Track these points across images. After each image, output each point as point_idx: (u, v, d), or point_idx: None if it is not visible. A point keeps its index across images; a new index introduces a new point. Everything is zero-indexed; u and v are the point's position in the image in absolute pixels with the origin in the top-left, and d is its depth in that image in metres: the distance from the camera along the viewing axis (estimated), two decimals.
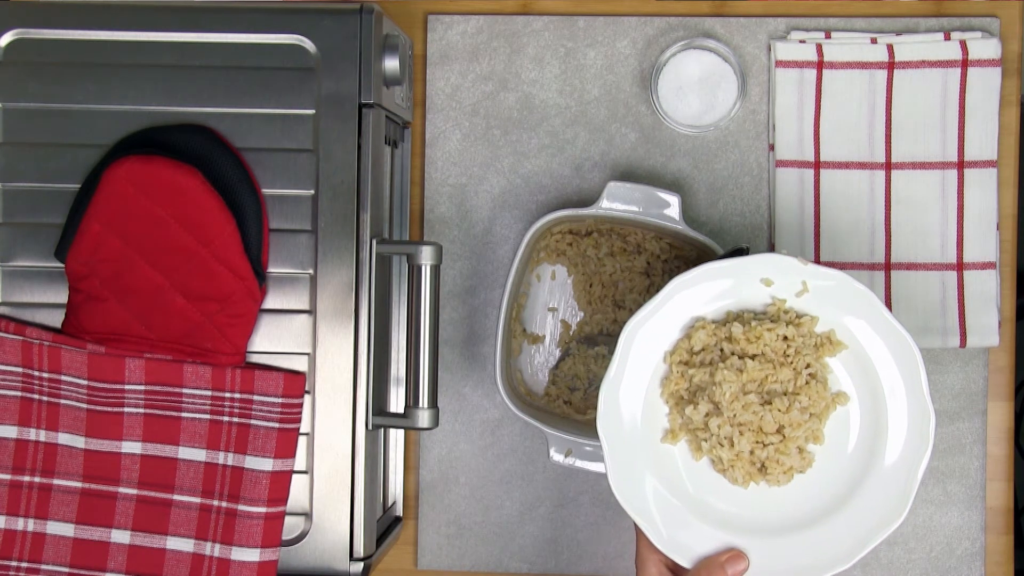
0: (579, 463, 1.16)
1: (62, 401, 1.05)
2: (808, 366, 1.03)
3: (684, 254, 1.21)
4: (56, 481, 1.06)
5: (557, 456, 1.16)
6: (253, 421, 1.04)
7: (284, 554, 1.06)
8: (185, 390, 1.04)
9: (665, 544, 1.04)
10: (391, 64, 1.08)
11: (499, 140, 1.24)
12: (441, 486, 1.25)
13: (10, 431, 1.06)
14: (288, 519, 1.06)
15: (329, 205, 1.05)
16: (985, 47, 1.20)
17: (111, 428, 1.05)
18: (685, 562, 1.04)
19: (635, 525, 1.05)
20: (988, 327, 1.20)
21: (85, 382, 1.04)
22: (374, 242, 1.06)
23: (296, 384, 1.04)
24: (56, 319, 1.06)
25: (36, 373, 1.05)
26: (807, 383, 1.03)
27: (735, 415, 1.02)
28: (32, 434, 1.06)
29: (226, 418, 1.05)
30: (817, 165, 1.21)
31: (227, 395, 1.04)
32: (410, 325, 1.07)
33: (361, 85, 1.05)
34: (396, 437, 1.22)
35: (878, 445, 1.04)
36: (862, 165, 1.21)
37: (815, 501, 1.05)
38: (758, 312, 1.05)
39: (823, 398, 1.03)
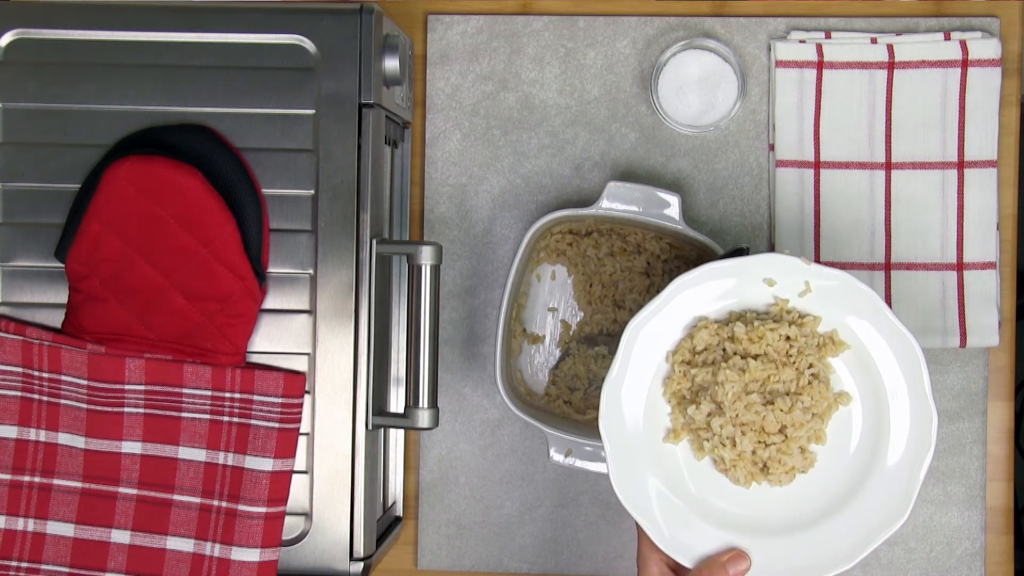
0: (579, 463, 1.16)
1: (62, 401, 1.05)
2: (810, 366, 1.03)
3: (684, 254, 1.21)
4: (56, 481, 1.06)
5: (557, 456, 1.16)
6: (253, 421, 1.04)
7: (284, 554, 1.06)
8: (185, 390, 1.04)
9: (667, 544, 1.04)
10: (391, 64, 1.08)
11: (499, 140, 1.24)
12: (441, 486, 1.25)
13: (10, 431, 1.06)
14: (288, 519, 1.06)
15: (329, 205, 1.05)
16: (985, 47, 1.20)
17: (111, 428, 1.05)
18: (687, 562, 1.04)
19: (636, 525, 1.05)
20: (988, 327, 1.20)
21: (85, 382, 1.04)
22: (374, 242, 1.06)
23: (296, 384, 1.04)
24: (56, 319, 1.06)
25: (36, 373, 1.05)
26: (809, 383, 1.03)
27: (737, 415, 1.02)
28: (32, 434, 1.06)
29: (226, 418, 1.05)
30: (817, 165, 1.21)
31: (227, 395, 1.04)
32: (410, 325, 1.07)
33: (361, 85, 1.05)
34: (396, 437, 1.22)
35: (880, 445, 1.04)
36: (862, 165, 1.21)
37: (817, 501, 1.05)
38: (761, 312, 1.05)
39: (825, 398, 1.03)
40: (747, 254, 1.06)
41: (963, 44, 1.20)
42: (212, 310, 1.03)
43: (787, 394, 1.03)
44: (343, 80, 1.05)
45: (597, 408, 1.20)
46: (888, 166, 1.21)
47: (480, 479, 1.25)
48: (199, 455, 1.05)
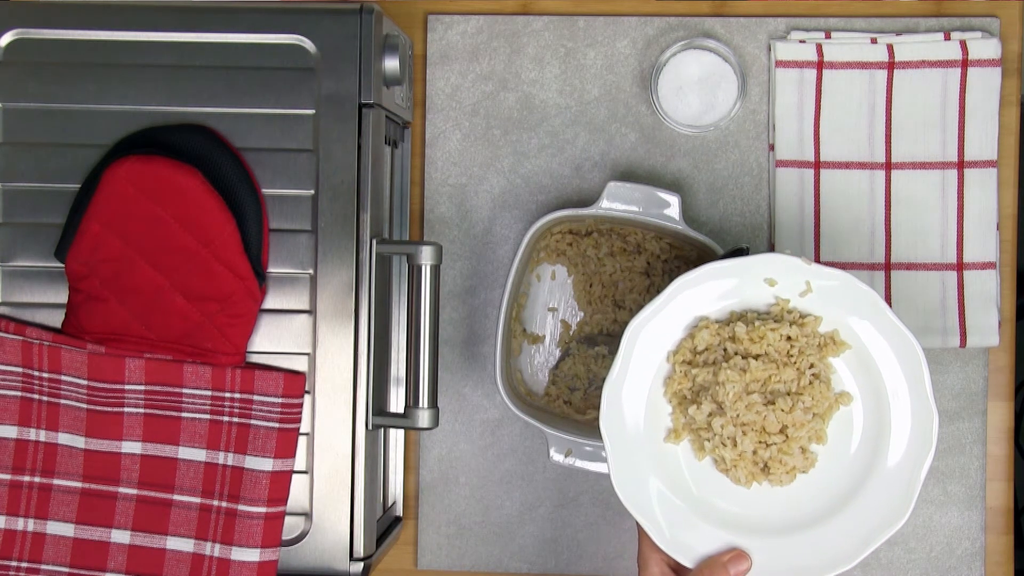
0: (579, 463, 1.16)
1: (62, 401, 1.05)
2: (811, 366, 1.03)
3: (684, 254, 1.21)
4: (56, 481, 1.06)
5: (557, 456, 1.16)
6: (253, 421, 1.04)
7: (284, 554, 1.06)
8: (185, 390, 1.04)
9: (668, 544, 1.04)
10: (391, 64, 1.08)
11: (499, 140, 1.24)
12: (441, 486, 1.25)
13: (10, 431, 1.06)
14: (288, 519, 1.06)
15: (329, 205, 1.05)
16: (985, 47, 1.20)
17: (111, 428, 1.05)
18: (688, 562, 1.04)
19: (637, 525, 1.05)
20: (988, 327, 1.20)
21: (85, 382, 1.04)
22: (374, 242, 1.06)
23: (296, 384, 1.04)
24: (56, 319, 1.06)
25: (36, 373, 1.05)
26: (810, 383, 1.03)
27: (738, 415, 1.02)
28: (32, 434, 1.06)
29: (226, 418, 1.05)
30: (817, 165, 1.21)
31: (227, 395, 1.04)
32: (410, 325, 1.07)
33: (361, 85, 1.05)
34: (396, 437, 1.22)
35: (881, 445, 1.04)
36: (862, 165, 1.21)
37: (818, 501, 1.05)
38: (761, 312, 1.05)
39: (826, 398, 1.03)
40: (747, 254, 1.06)
41: (963, 44, 1.20)
42: (212, 310, 1.03)
43: (788, 394, 1.03)
44: (343, 80, 1.05)
45: (597, 408, 1.20)
46: (888, 166, 1.21)
47: (480, 479, 1.25)
48: (199, 455, 1.05)
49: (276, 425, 1.04)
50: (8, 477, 1.06)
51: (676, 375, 1.05)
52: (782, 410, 1.02)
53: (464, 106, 1.24)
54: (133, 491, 1.06)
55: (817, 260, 1.21)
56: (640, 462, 1.05)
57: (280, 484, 1.04)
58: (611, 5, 1.24)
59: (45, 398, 1.05)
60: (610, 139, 1.23)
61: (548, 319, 1.24)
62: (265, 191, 1.05)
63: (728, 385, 1.01)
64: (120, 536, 1.06)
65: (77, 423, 1.05)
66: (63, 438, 1.06)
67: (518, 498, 1.25)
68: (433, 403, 1.07)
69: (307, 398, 1.05)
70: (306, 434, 1.06)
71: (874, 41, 1.21)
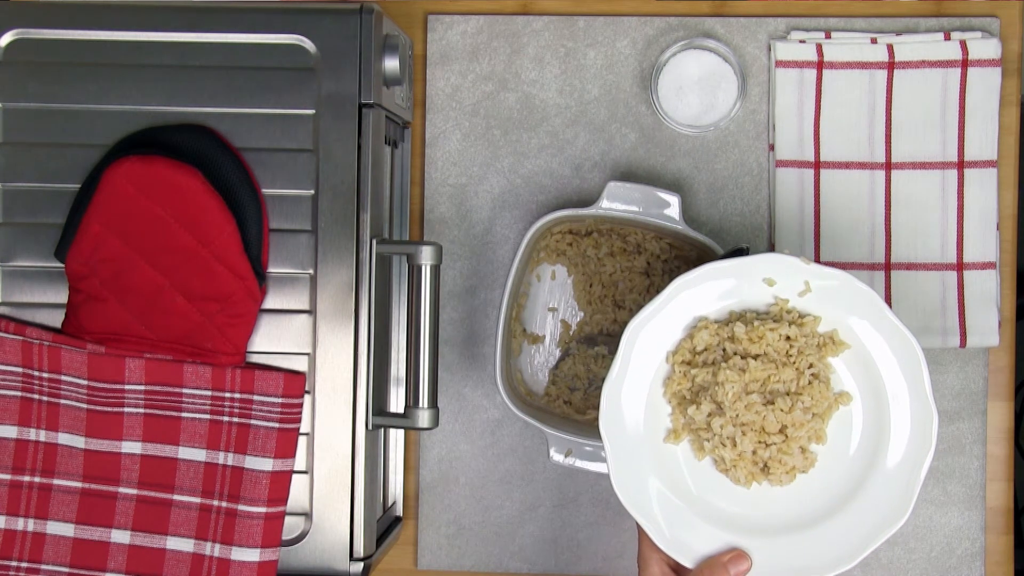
0: (579, 463, 1.16)
1: (62, 401, 1.05)
2: (811, 366, 1.03)
3: (684, 254, 1.21)
4: (56, 481, 1.06)
5: (557, 456, 1.16)
6: (253, 421, 1.04)
7: (284, 554, 1.06)
8: (185, 390, 1.04)
9: (668, 544, 1.04)
10: (391, 64, 1.08)
11: (499, 140, 1.24)
12: (441, 486, 1.25)
13: (10, 431, 1.06)
14: (288, 519, 1.06)
15: (329, 205, 1.05)
16: (985, 47, 1.20)
17: (111, 428, 1.05)
18: (687, 562, 1.04)
19: (637, 525, 1.05)
20: (988, 327, 1.20)
21: (85, 382, 1.04)
22: (374, 242, 1.06)
23: (296, 384, 1.04)
24: (56, 319, 1.06)
25: (36, 373, 1.05)
26: (810, 383, 1.03)
27: (737, 415, 1.02)
28: (32, 434, 1.06)
29: (226, 418, 1.05)
30: (817, 165, 1.21)
31: (227, 395, 1.04)
32: (410, 325, 1.07)
33: (361, 85, 1.05)
34: (396, 437, 1.22)
35: (881, 445, 1.04)
36: (862, 165, 1.21)
37: (817, 501, 1.05)
38: (761, 312, 1.05)
39: (826, 398, 1.03)
40: (747, 254, 1.06)
41: (963, 44, 1.20)
42: (212, 310, 1.03)
43: (787, 394, 1.03)
44: (343, 80, 1.05)
45: (597, 408, 1.20)
46: (888, 166, 1.21)
47: (480, 479, 1.25)
48: (199, 455, 1.05)
49: (276, 425, 1.04)
50: (8, 477, 1.06)
51: (675, 375, 1.05)
52: (781, 410, 1.02)
53: (464, 106, 1.24)
54: (133, 491, 1.06)
55: (817, 260, 1.21)
56: (640, 462, 1.05)
57: (280, 484, 1.04)
58: (611, 5, 1.24)
59: (45, 398, 1.05)
60: (610, 139, 1.23)
61: (548, 319, 1.24)
62: (265, 191, 1.05)
63: (727, 385, 1.01)
64: (120, 536, 1.06)
65: (77, 423, 1.05)
66: (63, 438, 1.06)
67: (518, 498, 1.25)
68: (433, 403, 1.07)
69: (307, 398, 1.05)
70: (306, 434, 1.06)
71: (874, 41, 1.21)
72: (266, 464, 1.04)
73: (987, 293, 1.20)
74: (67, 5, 1.06)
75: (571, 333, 1.24)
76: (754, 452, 1.03)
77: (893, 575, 1.23)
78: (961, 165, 1.20)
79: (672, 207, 1.16)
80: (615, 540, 1.24)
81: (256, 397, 1.04)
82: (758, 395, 1.02)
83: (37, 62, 1.06)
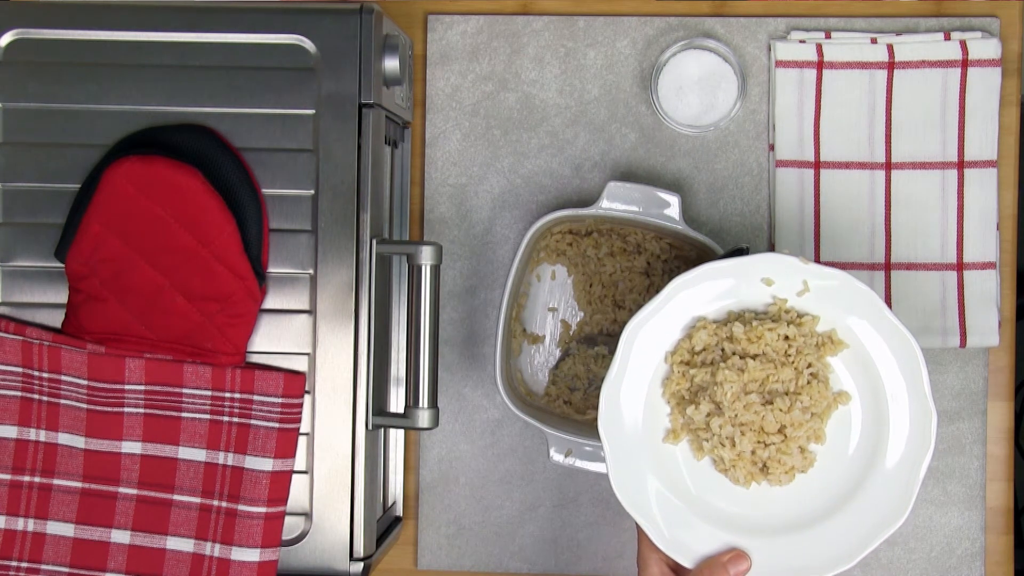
0: (579, 463, 1.16)
1: (62, 401, 1.05)
2: (809, 366, 1.03)
3: (684, 254, 1.21)
4: (56, 481, 1.06)
5: (557, 456, 1.16)
6: (253, 421, 1.04)
7: (284, 554, 1.06)
8: (185, 390, 1.04)
9: (667, 544, 1.04)
10: (391, 64, 1.08)
11: (499, 140, 1.24)
12: (441, 486, 1.25)
13: (10, 431, 1.06)
14: (288, 519, 1.06)
15: (329, 205, 1.05)
16: (985, 47, 1.20)
17: (111, 428, 1.05)
18: (687, 562, 1.04)
19: (636, 525, 1.05)
20: (988, 327, 1.20)
21: (85, 382, 1.04)
22: (374, 242, 1.06)
23: (296, 384, 1.04)
24: (56, 319, 1.06)
25: (36, 373, 1.05)
26: (808, 383, 1.03)
27: (736, 415, 1.02)
28: (32, 434, 1.06)
29: (226, 418, 1.05)
30: (817, 165, 1.21)
31: (227, 395, 1.04)
32: (410, 325, 1.07)
33: (361, 85, 1.05)
34: (396, 437, 1.22)
35: (880, 445, 1.04)
36: (862, 165, 1.21)
37: (817, 501, 1.05)
38: (759, 312, 1.05)
39: (824, 398, 1.03)
40: (747, 254, 1.06)
41: (963, 44, 1.20)
42: (212, 310, 1.03)
43: (786, 394, 1.03)
44: (343, 80, 1.05)
45: (597, 408, 1.20)
46: (888, 166, 1.21)
47: (480, 479, 1.25)
48: (199, 455, 1.05)
49: (276, 425, 1.04)
50: (8, 477, 1.06)
51: (674, 375, 1.05)
52: (780, 410, 1.02)
53: (464, 106, 1.24)
54: (133, 491, 1.06)
55: (817, 260, 1.21)
56: (638, 462, 1.05)
57: (280, 484, 1.04)
58: (611, 5, 1.24)
59: (45, 398, 1.05)
60: (610, 139, 1.23)
61: (548, 319, 1.24)
62: (265, 191, 1.05)
63: (726, 385, 1.01)
64: (120, 536, 1.06)
65: (77, 423, 1.05)
66: (63, 438, 1.06)
67: (518, 498, 1.25)
68: (433, 403, 1.07)
69: (307, 398, 1.05)
70: (306, 434, 1.06)
71: (874, 41, 1.21)
72: (266, 464, 1.04)
73: (987, 293, 1.20)
74: (67, 5, 1.06)
75: (571, 333, 1.24)
76: (753, 452, 1.03)
77: (893, 575, 1.23)
78: (961, 165, 1.20)
79: (672, 207, 1.16)
80: (615, 540, 1.24)
81: (256, 397, 1.04)
82: (757, 395, 1.02)
83: (37, 62, 1.06)
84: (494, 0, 1.25)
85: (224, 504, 1.04)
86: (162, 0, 1.09)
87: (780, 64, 1.21)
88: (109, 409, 1.05)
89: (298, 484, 1.06)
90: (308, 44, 1.05)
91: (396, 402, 1.18)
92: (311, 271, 1.05)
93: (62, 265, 1.05)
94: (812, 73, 1.21)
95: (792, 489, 1.05)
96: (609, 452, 1.04)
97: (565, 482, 1.24)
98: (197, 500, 1.05)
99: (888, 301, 1.21)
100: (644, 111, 1.23)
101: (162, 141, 1.04)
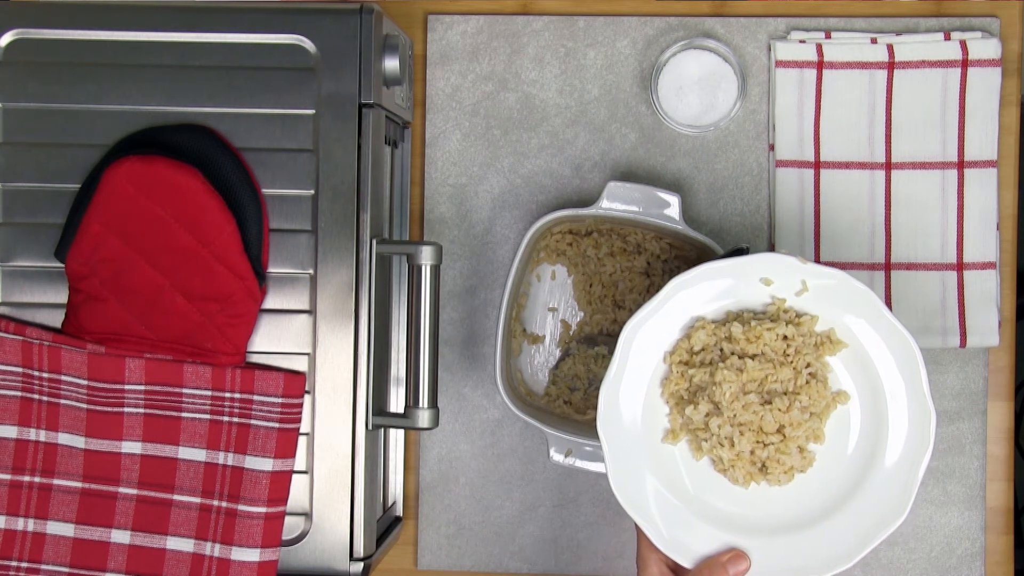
0: (579, 463, 1.16)
1: (62, 401, 1.05)
2: (808, 365, 1.03)
3: (684, 254, 1.21)
4: (56, 481, 1.06)
5: (557, 456, 1.16)
6: (253, 421, 1.04)
7: (284, 554, 1.06)
8: (185, 390, 1.04)
9: (666, 544, 1.04)
10: (391, 64, 1.08)
11: (499, 140, 1.24)
12: (441, 486, 1.25)
13: (10, 431, 1.06)
14: (288, 519, 1.06)
15: (329, 205, 1.05)
16: (985, 47, 1.20)
17: (111, 428, 1.05)
18: (686, 562, 1.04)
19: (636, 525, 1.05)
20: (988, 327, 1.20)
21: (85, 382, 1.04)
22: (374, 242, 1.06)
23: (296, 384, 1.04)
24: (56, 319, 1.06)
25: (36, 373, 1.05)
26: (807, 382, 1.03)
27: (735, 415, 1.02)
28: (32, 434, 1.06)
29: (226, 418, 1.05)
30: (817, 165, 1.21)
31: (227, 395, 1.04)
32: (410, 325, 1.07)
33: (361, 85, 1.05)
34: (396, 437, 1.22)
35: (879, 444, 1.04)
36: (862, 165, 1.21)
37: (816, 500, 1.05)
38: (758, 312, 1.05)
39: (823, 397, 1.03)
40: (747, 254, 1.06)
41: (963, 44, 1.20)
42: (212, 310, 1.03)
43: (785, 393, 1.03)
44: (343, 80, 1.05)
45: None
46: (888, 166, 1.21)
47: (480, 479, 1.25)
48: (199, 455, 1.05)
49: (276, 425, 1.04)
50: (8, 477, 1.06)
51: (673, 375, 1.05)
52: (779, 410, 1.02)
53: (464, 106, 1.24)
54: (133, 491, 1.06)
55: (817, 260, 1.21)
56: (638, 462, 1.05)
57: (280, 484, 1.04)
58: (611, 5, 1.24)
59: (45, 398, 1.06)
60: (610, 139, 1.23)
61: (548, 319, 1.24)
62: (265, 191, 1.05)
63: (725, 385, 1.01)
64: (120, 536, 1.06)
65: (77, 423, 1.05)
66: (63, 438, 1.06)
67: (518, 498, 1.25)
68: (433, 403, 1.07)
69: (307, 398, 1.05)
70: (306, 434, 1.06)
71: (874, 41, 1.21)
72: (266, 464, 1.04)
73: (987, 293, 1.20)
74: (67, 5, 1.06)
75: (571, 333, 1.24)
76: (752, 452, 1.03)
77: (893, 575, 1.23)
78: (961, 165, 1.20)
79: (672, 207, 1.16)
80: (615, 540, 1.24)
81: (256, 397, 1.04)
82: (756, 395, 1.02)
83: (37, 62, 1.06)
84: (494, 0, 1.25)
85: (224, 504, 1.05)
86: (162, 0, 1.09)
87: (780, 64, 1.21)
88: (109, 409, 1.05)
89: (298, 484, 1.06)
90: (308, 44, 1.05)
91: (396, 402, 1.18)
92: (311, 271, 1.05)
93: (62, 265, 1.05)
94: (812, 73, 1.21)
95: (791, 489, 1.05)
96: (608, 452, 1.04)
97: (565, 482, 1.24)
98: (197, 500, 1.05)
99: (888, 301, 1.21)
100: (644, 111, 1.23)
101: (162, 141, 1.04)
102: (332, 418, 1.05)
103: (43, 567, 1.06)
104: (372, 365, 1.06)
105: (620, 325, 1.23)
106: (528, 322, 1.24)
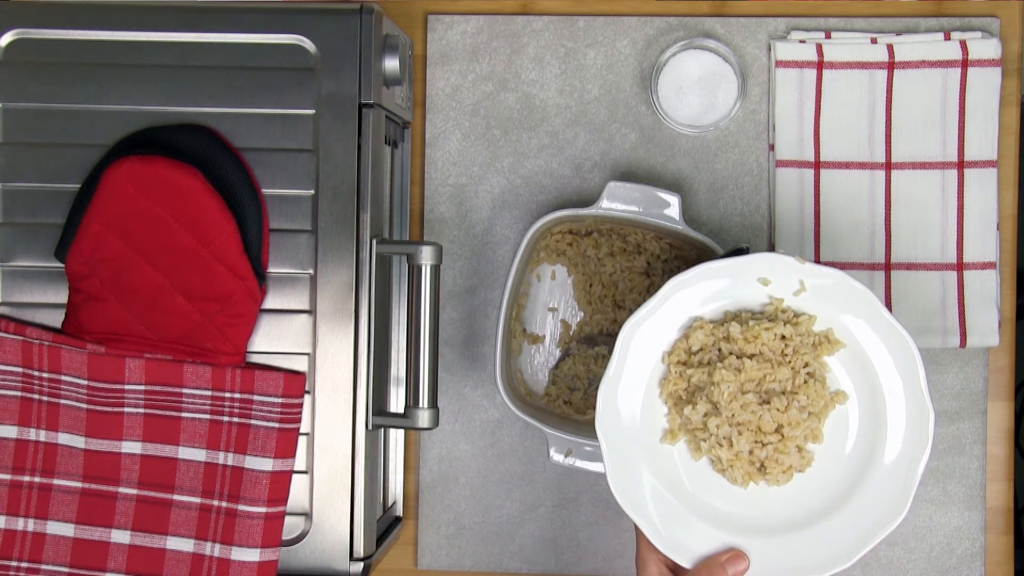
0: (579, 463, 1.16)
1: (62, 401, 1.05)
2: (806, 365, 1.03)
3: (684, 254, 1.21)
4: (56, 481, 1.06)
5: (557, 456, 1.16)
6: (253, 421, 1.04)
7: (284, 554, 1.06)
8: (185, 390, 1.04)
9: (665, 544, 1.04)
10: (391, 64, 1.08)
11: (499, 140, 1.24)
12: (441, 486, 1.25)
13: (10, 431, 1.06)
14: (288, 519, 1.06)
15: (329, 205, 1.05)
16: (985, 47, 1.20)
17: (111, 428, 1.05)
18: (685, 562, 1.04)
19: (635, 525, 1.05)
20: (988, 327, 1.20)
21: (85, 382, 1.04)
22: (374, 242, 1.06)
23: (296, 384, 1.04)
24: (56, 319, 1.07)
25: (36, 373, 1.05)
26: (805, 382, 1.03)
27: (733, 415, 1.02)
28: (32, 434, 1.06)
29: (226, 418, 1.05)
30: (817, 165, 1.21)
31: (227, 395, 1.04)
32: (410, 325, 1.07)
33: (361, 85, 1.05)
34: (396, 437, 1.22)
35: (877, 444, 1.04)
36: (862, 165, 1.21)
37: (815, 500, 1.05)
38: (756, 312, 1.05)
39: (821, 397, 1.03)
40: (747, 254, 1.06)
41: (963, 44, 1.20)
42: (212, 310, 1.03)
43: (783, 393, 1.03)
44: (343, 80, 1.05)
45: None
46: (888, 166, 1.21)
47: (480, 479, 1.25)
48: (199, 455, 1.05)
49: (276, 425, 1.04)
50: (8, 477, 1.06)
51: (671, 376, 1.05)
52: (777, 409, 1.02)
53: (464, 106, 1.24)
54: (133, 491, 1.06)
55: (817, 260, 1.21)
56: (636, 463, 1.05)
57: (280, 484, 1.04)
58: (611, 5, 1.24)
59: (45, 398, 1.06)
60: (610, 139, 1.23)
61: (548, 319, 1.24)
62: (265, 191, 1.05)
63: (723, 385, 1.01)
64: (120, 536, 1.06)
65: (77, 423, 1.05)
66: (63, 438, 1.06)
67: (518, 498, 1.25)
68: (433, 403, 1.07)
69: (307, 398, 1.05)
70: (306, 434, 1.06)
71: (874, 41, 1.21)
72: (266, 464, 1.04)
73: (987, 293, 1.20)
74: (67, 5, 1.06)
75: (571, 333, 1.24)
76: (750, 452, 1.03)
77: (893, 575, 1.23)
78: (961, 165, 1.20)
79: (672, 207, 1.16)
80: (615, 540, 1.24)
81: (256, 397, 1.04)
82: (754, 395, 1.02)
83: (37, 62, 1.06)
84: (494, 0, 1.25)
85: (224, 504, 1.05)
86: (162, 0, 1.09)
87: (780, 64, 1.21)
88: (109, 409, 1.05)
89: (298, 484, 1.06)
90: (308, 44, 1.05)
91: (396, 402, 1.18)
92: (311, 271, 1.05)
93: (62, 265, 1.05)
94: (812, 73, 1.21)
95: (790, 489, 1.05)
96: (607, 452, 1.04)
97: (565, 482, 1.25)
98: (197, 500, 1.05)
99: (888, 301, 1.21)
100: (644, 111, 1.23)
101: (162, 141, 1.04)
102: (332, 418, 1.05)
103: (43, 567, 1.06)
104: (372, 365, 1.06)
105: (620, 325, 1.23)
106: (528, 322, 1.24)
